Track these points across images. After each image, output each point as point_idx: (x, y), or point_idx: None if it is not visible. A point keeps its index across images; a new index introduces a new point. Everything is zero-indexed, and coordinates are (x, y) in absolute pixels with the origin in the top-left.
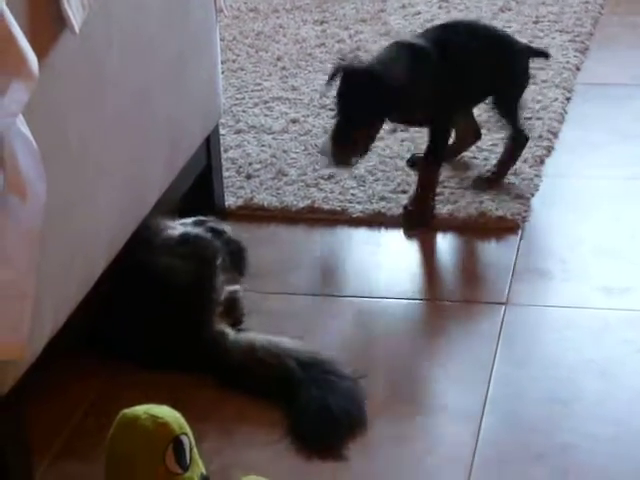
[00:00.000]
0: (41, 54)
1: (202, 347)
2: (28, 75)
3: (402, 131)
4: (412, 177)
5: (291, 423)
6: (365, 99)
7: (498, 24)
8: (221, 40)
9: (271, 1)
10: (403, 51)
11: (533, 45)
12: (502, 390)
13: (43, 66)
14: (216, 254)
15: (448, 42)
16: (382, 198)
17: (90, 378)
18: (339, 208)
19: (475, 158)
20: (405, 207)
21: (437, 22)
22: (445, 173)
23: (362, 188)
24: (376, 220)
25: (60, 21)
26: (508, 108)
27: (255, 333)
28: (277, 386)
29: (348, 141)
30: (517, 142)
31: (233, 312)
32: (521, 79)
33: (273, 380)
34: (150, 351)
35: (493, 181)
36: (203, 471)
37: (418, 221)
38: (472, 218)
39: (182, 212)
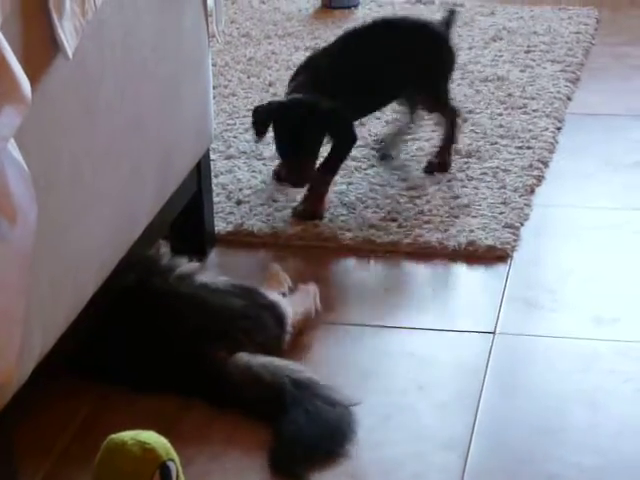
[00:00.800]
0: (34, 79)
1: (201, 366)
2: (20, 100)
3: (392, 159)
4: (402, 205)
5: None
6: (306, 128)
7: (489, 53)
8: (213, 66)
9: (263, 27)
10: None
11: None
12: (489, 419)
13: (36, 90)
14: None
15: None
16: (372, 225)
17: (77, 402)
18: (329, 235)
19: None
20: (295, 209)
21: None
22: (434, 202)
23: (352, 215)
24: (366, 247)
25: (53, 46)
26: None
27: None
28: (269, 404)
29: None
30: (454, 120)
31: None
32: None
33: (266, 398)
34: (147, 371)
35: (442, 165)
36: None
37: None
38: (461, 246)
39: (172, 237)
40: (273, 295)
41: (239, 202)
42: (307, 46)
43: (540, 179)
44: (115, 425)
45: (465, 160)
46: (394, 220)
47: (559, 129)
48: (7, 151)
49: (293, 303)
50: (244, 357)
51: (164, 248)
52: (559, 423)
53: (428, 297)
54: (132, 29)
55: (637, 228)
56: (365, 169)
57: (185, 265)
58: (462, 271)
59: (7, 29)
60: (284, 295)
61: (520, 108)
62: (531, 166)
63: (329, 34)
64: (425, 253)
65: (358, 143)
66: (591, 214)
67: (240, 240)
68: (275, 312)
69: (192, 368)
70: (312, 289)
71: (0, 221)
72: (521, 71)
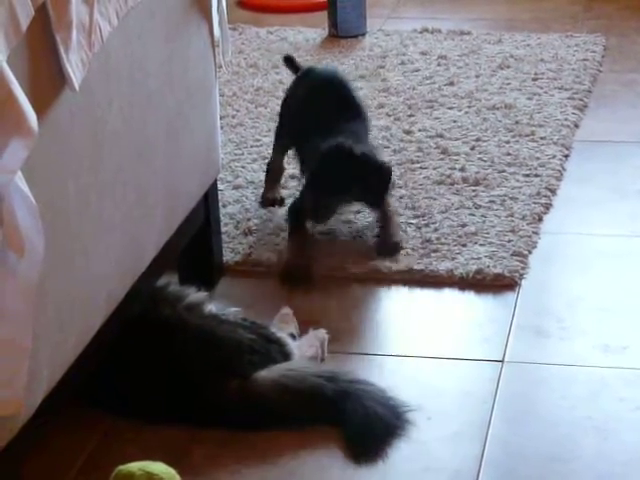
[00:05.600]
0: (41, 111)
1: (218, 395)
2: (27, 132)
3: (400, 187)
4: (410, 233)
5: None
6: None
7: (497, 81)
8: (221, 96)
9: (271, 57)
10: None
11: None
12: (498, 449)
13: (43, 123)
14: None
15: None
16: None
17: (85, 433)
18: (336, 264)
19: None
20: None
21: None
22: (442, 230)
23: (360, 244)
24: (374, 277)
25: (60, 78)
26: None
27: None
28: (311, 405)
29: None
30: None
31: None
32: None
33: (307, 401)
34: (156, 402)
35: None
36: None
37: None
38: (469, 275)
39: (180, 267)
40: (282, 334)
41: (247, 232)
42: None
43: (548, 207)
44: (123, 456)
45: (473, 188)
46: (401, 249)
47: (567, 157)
48: (14, 184)
49: (300, 346)
50: (262, 374)
51: (172, 278)
52: (568, 452)
53: (436, 326)
54: (139, 61)
55: None
56: None
57: (193, 294)
58: (470, 299)
59: (14, 62)
60: (293, 337)
61: (527, 136)
62: (539, 194)
63: (336, 63)
64: (433, 282)
65: None
66: (599, 241)
67: (248, 270)
68: (282, 349)
69: (206, 397)
70: (321, 335)
71: (8, 253)
72: (528, 99)
